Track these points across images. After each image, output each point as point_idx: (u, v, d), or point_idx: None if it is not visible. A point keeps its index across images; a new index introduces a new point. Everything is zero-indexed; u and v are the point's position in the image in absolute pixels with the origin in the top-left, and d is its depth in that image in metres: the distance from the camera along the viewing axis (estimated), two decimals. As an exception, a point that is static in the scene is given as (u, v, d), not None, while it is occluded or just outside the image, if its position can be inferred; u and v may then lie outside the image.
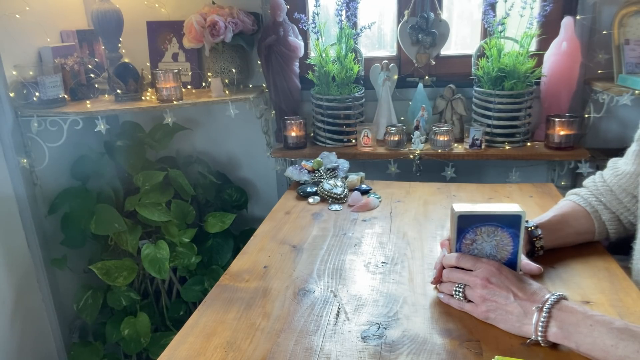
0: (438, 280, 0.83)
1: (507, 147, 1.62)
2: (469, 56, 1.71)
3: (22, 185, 1.54)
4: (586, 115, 1.67)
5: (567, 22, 1.56)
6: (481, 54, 1.64)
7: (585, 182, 1.03)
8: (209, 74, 1.80)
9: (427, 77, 1.76)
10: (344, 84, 1.67)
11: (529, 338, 0.69)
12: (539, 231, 0.90)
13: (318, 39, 1.62)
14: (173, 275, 1.82)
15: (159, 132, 1.86)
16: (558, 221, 0.94)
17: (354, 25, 1.68)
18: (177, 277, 1.83)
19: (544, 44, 1.65)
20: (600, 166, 1.05)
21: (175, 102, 1.59)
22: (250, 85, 1.88)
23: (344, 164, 1.43)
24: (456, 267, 0.79)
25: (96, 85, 1.71)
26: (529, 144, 1.65)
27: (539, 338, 0.68)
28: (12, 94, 1.51)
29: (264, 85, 1.82)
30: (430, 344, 0.71)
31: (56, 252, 1.68)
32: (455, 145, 1.67)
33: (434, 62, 1.74)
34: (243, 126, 1.95)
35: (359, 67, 1.67)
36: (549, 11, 1.50)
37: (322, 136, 1.74)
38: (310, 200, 1.27)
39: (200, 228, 1.79)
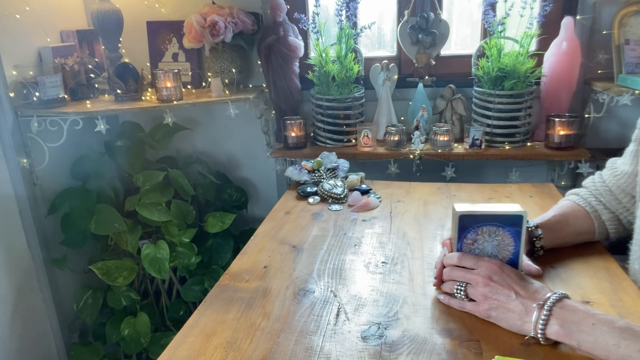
0: (439, 279, 0.83)
1: (507, 147, 1.62)
2: (469, 56, 1.71)
3: (22, 185, 1.54)
4: (586, 115, 1.67)
5: (567, 22, 1.56)
6: (481, 54, 1.64)
7: (585, 182, 1.03)
8: (209, 74, 1.80)
9: (427, 77, 1.76)
10: (344, 84, 1.67)
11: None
12: (539, 231, 0.90)
13: (318, 39, 1.62)
14: (173, 275, 1.82)
15: (159, 132, 1.86)
16: (558, 221, 0.94)
17: (354, 25, 1.68)
18: (177, 277, 1.83)
19: (544, 44, 1.65)
20: (600, 166, 1.05)
21: (175, 102, 1.59)
22: (250, 85, 1.88)
23: (344, 164, 1.43)
24: (457, 266, 0.79)
25: (96, 85, 1.71)
26: (529, 144, 1.65)
27: (539, 335, 0.67)
28: (12, 94, 1.51)
29: (264, 85, 1.82)
30: (430, 344, 0.71)
31: (56, 252, 1.68)
32: (455, 145, 1.67)
33: (434, 62, 1.75)
34: (243, 126, 1.95)
35: (359, 67, 1.67)
36: (549, 11, 1.50)
37: (322, 136, 1.74)
38: (310, 200, 1.27)
39: (200, 228, 1.79)
